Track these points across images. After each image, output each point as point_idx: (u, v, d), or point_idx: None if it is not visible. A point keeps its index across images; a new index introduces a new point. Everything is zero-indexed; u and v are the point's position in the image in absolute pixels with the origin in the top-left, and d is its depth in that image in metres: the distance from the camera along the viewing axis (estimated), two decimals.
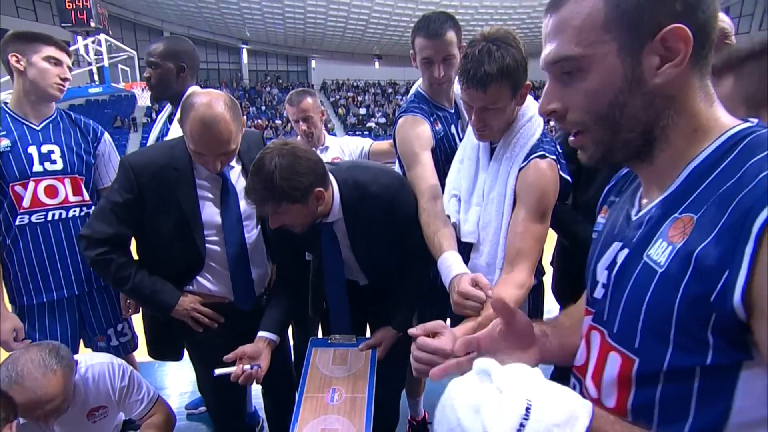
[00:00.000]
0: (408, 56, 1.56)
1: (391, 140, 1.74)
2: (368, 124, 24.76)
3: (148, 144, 2.03)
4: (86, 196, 1.76)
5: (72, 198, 1.72)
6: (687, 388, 0.51)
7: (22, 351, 1.32)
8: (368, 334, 1.71)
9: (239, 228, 1.52)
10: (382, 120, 25.13)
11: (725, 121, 0.57)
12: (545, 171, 1.20)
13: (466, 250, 1.33)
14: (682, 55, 0.53)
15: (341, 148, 2.43)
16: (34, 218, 1.64)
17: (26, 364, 1.27)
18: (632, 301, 0.57)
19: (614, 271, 0.62)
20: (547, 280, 1.60)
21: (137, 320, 1.86)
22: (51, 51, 1.64)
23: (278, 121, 23.10)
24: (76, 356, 1.48)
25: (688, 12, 0.53)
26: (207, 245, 1.48)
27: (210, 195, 1.48)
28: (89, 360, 1.53)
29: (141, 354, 1.93)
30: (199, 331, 1.53)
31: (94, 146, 1.80)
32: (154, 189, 1.41)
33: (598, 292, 0.67)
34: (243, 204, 1.51)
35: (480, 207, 1.31)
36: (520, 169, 1.23)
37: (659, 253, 0.54)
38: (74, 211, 1.73)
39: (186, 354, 1.71)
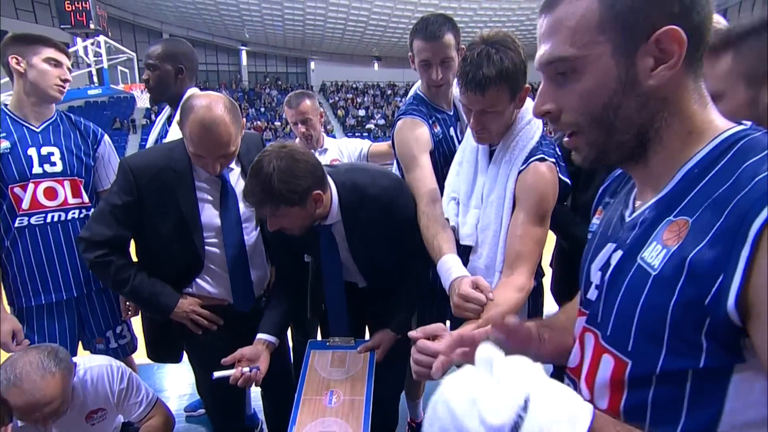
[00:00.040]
0: (407, 58, 1.56)
1: (390, 142, 1.74)
2: (367, 126, 24.77)
3: (147, 146, 2.03)
4: (86, 199, 1.76)
5: (71, 200, 1.72)
6: (679, 390, 0.52)
7: (21, 353, 1.32)
8: (367, 336, 1.71)
9: (238, 230, 1.52)
10: (381, 121, 25.15)
11: (719, 124, 0.57)
12: (544, 174, 1.20)
13: (465, 252, 1.33)
14: (676, 57, 0.53)
15: (340, 149, 2.43)
16: (33, 220, 1.64)
17: (25, 366, 1.27)
18: (626, 303, 0.57)
19: (608, 273, 0.62)
20: (546, 281, 1.60)
21: (136, 322, 1.86)
22: (50, 52, 1.65)
23: (277, 123, 23.10)
24: (74, 359, 1.48)
25: (682, 14, 0.53)
26: (206, 247, 1.48)
27: (209, 197, 1.48)
28: (88, 362, 1.53)
29: (140, 356, 1.93)
30: (198, 333, 1.53)
31: (94, 148, 1.80)
32: (153, 191, 1.41)
33: (592, 294, 0.67)
34: (242, 206, 1.51)
35: (479, 210, 1.31)
36: (520, 172, 1.23)
37: (653, 255, 0.54)
38: (73, 213, 1.72)
39: (185, 356, 1.71)
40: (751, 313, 0.45)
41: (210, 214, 1.48)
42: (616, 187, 0.76)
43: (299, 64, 31.15)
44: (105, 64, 11.54)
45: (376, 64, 30.70)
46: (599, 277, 0.65)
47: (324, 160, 2.33)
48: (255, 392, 1.98)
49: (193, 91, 1.84)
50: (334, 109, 26.66)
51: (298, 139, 2.42)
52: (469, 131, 1.33)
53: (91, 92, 11.75)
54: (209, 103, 1.33)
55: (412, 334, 0.88)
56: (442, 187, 1.45)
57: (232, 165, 1.51)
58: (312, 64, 30.57)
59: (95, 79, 11.66)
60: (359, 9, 22.80)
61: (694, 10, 0.53)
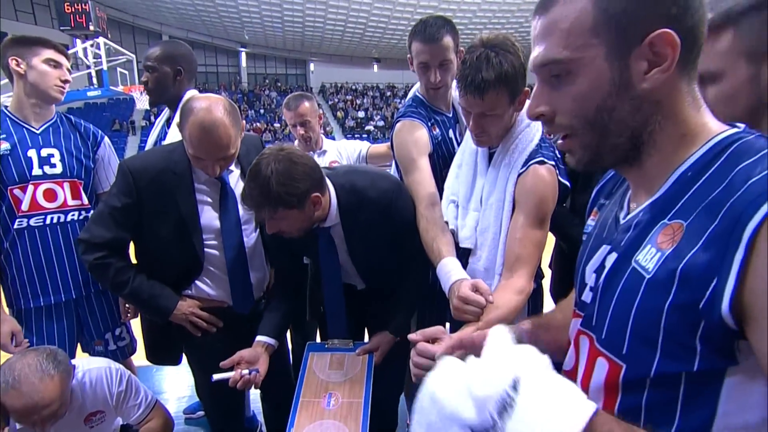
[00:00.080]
0: (406, 59, 1.56)
1: (389, 143, 1.74)
2: (367, 127, 24.78)
3: (146, 148, 2.03)
4: (85, 200, 1.76)
5: (71, 202, 1.72)
6: (673, 393, 0.52)
7: (19, 356, 1.32)
8: (366, 338, 1.71)
9: (238, 232, 1.52)
10: (381, 123, 25.16)
11: (712, 127, 0.57)
12: (544, 177, 1.20)
13: (464, 255, 1.33)
14: (670, 61, 0.53)
15: (339, 151, 2.44)
16: (32, 222, 1.64)
17: (23, 369, 1.26)
18: (620, 307, 0.57)
19: (603, 276, 0.62)
20: (546, 282, 1.60)
21: (136, 324, 1.86)
22: (50, 53, 1.65)
23: (277, 124, 23.11)
24: (73, 361, 1.48)
25: (676, 17, 0.53)
26: (206, 249, 1.48)
27: (209, 199, 1.48)
28: (87, 365, 1.52)
29: (139, 358, 1.93)
30: (197, 336, 1.53)
31: (94, 150, 1.81)
32: (152, 193, 1.41)
33: (586, 296, 0.67)
34: (242, 208, 1.51)
35: (478, 212, 1.31)
36: (519, 175, 1.23)
37: (647, 259, 0.54)
38: (73, 215, 1.72)
39: (184, 358, 1.71)
40: (747, 317, 0.45)
41: (209, 216, 1.48)
42: (611, 188, 0.76)
43: (299, 65, 31.18)
44: (104, 66, 11.55)
45: (375, 66, 30.73)
46: (594, 279, 0.66)
47: (323, 161, 2.33)
48: (254, 394, 1.98)
49: (192, 93, 1.84)
50: (333, 110, 26.67)
51: (297, 141, 2.42)
52: (468, 133, 1.34)
53: (90, 94, 11.76)
54: (209, 105, 1.33)
55: (411, 336, 0.88)
56: (441, 189, 1.45)
57: (232, 167, 1.51)
58: (311, 66, 30.59)
59: (95, 80, 11.67)
60: (359, 11, 22.83)
61: (687, 13, 0.53)
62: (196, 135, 1.32)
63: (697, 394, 0.50)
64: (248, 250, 1.55)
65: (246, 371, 1.36)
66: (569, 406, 0.45)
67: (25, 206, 1.62)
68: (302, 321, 1.97)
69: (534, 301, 1.40)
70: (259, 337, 1.48)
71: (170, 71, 1.84)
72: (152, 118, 17.71)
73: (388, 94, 29.48)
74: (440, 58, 1.46)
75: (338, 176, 1.44)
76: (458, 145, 1.54)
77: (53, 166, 1.68)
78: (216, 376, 1.35)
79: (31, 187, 1.63)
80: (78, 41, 11.53)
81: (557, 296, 1.81)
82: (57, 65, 1.67)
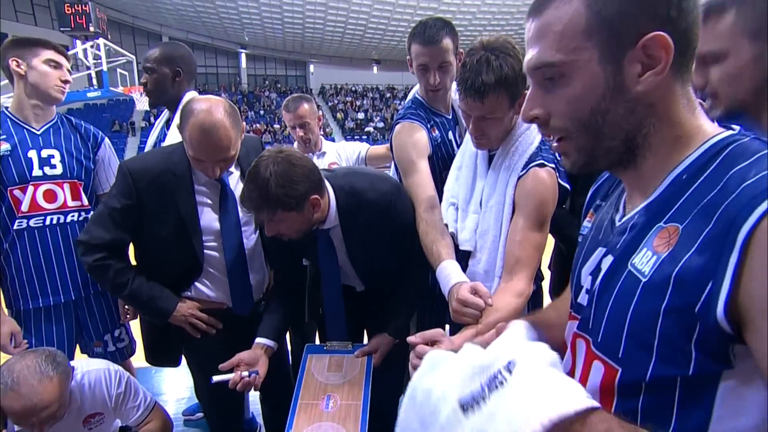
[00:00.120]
0: (406, 61, 1.56)
1: (388, 145, 1.74)
2: (366, 129, 24.80)
3: (146, 149, 2.03)
4: (85, 201, 1.76)
5: (71, 203, 1.72)
6: (669, 397, 0.51)
7: (18, 357, 1.32)
8: (365, 340, 1.71)
9: (238, 234, 1.52)
10: (381, 124, 25.18)
11: (707, 129, 0.57)
12: (544, 179, 1.20)
13: (464, 257, 1.33)
14: (663, 63, 0.53)
15: (338, 153, 2.44)
16: (32, 222, 1.64)
17: (22, 370, 1.26)
18: (616, 310, 0.57)
19: (599, 279, 0.62)
20: (546, 284, 1.60)
21: (135, 325, 1.85)
22: (50, 54, 1.66)
23: (276, 126, 23.11)
24: (72, 362, 1.47)
25: (669, 20, 0.53)
26: (205, 251, 1.48)
27: (208, 201, 1.48)
28: (86, 366, 1.52)
29: (138, 359, 1.93)
30: (196, 337, 1.53)
31: (94, 151, 1.81)
32: (152, 194, 1.41)
33: (583, 298, 0.67)
34: (241, 210, 1.51)
35: (477, 215, 1.31)
36: (519, 178, 1.23)
37: (644, 262, 0.54)
38: (73, 216, 1.72)
39: (183, 360, 1.70)
40: (744, 320, 0.45)
41: (209, 218, 1.48)
42: (607, 190, 0.76)
43: (298, 67, 31.22)
44: (104, 67, 11.57)
45: (375, 67, 30.76)
46: (590, 282, 0.65)
47: (322, 163, 2.34)
48: (253, 396, 1.97)
49: (191, 94, 1.84)
50: (333, 112, 26.69)
51: (296, 143, 2.43)
52: (468, 136, 1.34)
53: (90, 95, 11.78)
54: (209, 107, 1.33)
55: (410, 339, 0.87)
56: (440, 191, 1.45)
57: (232, 168, 1.51)
58: (311, 67, 30.63)
59: (94, 81, 11.69)
60: (358, 12, 22.87)
61: (681, 15, 0.53)
62: (197, 137, 1.32)
63: (693, 398, 0.50)
64: (248, 252, 1.55)
65: (245, 373, 1.36)
66: (561, 394, 0.44)
67: (24, 207, 1.62)
68: (301, 323, 1.97)
69: (534, 303, 1.40)
70: (258, 339, 1.48)
71: (169, 72, 1.85)
72: (152, 119, 17.74)
73: (388, 95, 29.52)
74: (439, 60, 1.46)
75: (337, 178, 1.44)
76: (458, 146, 1.54)
77: (53, 167, 1.68)
78: (216, 378, 1.34)
79: (31, 188, 1.63)
80: (78, 42, 11.55)
81: (556, 297, 1.81)
82: (57, 66, 1.67)
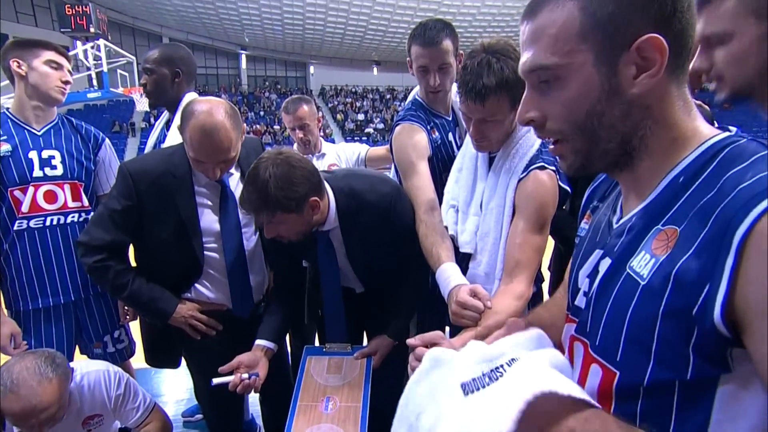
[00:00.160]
0: (406, 62, 1.56)
1: (388, 146, 1.74)
2: (366, 130, 24.81)
3: (146, 150, 2.04)
4: (85, 202, 1.76)
5: (71, 204, 1.72)
6: (667, 401, 0.51)
7: (17, 359, 1.31)
8: (365, 342, 1.71)
9: (238, 235, 1.52)
10: (381, 126, 25.20)
11: (704, 131, 0.57)
12: (545, 182, 1.20)
13: (464, 259, 1.33)
14: (658, 65, 0.53)
15: (338, 154, 2.44)
16: (32, 223, 1.64)
17: (21, 372, 1.26)
18: (615, 313, 0.56)
19: (596, 282, 0.62)
20: (546, 286, 1.60)
21: (135, 326, 1.85)
22: (51, 55, 1.66)
23: (276, 127, 23.12)
24: (72, 364, 1.47)
25: (663, 21, 0.53)
26: (205, 252, 1.48)
27: (209, 202, 1.48)
28: (85, 367, 1.52)
29: (138, 361, 1.93)
30: (196, 339, 1.53)
31: (95, 152, 1.81)
32: (152, 196, 1.41)
33: (580, 301, 0.67)
34: (241, 211, 1.51)
35: (478, 217, 1.31)
36: (520, 180, 1.23)
37: (642, 265, 0.54)
38: (73, 216, 1.73)
39: (183, 361, 1.70)
40: (742, 323, 0.44)
41: (209, 219, 1.48)
42: (604, 191, 0.76)
43: (298, 68, 31.25)
44: (105, 68, 11.58)
45: (375, 69, 30.79)
46: (587, 284, 0.65)
47: (321, 165, 2.34)
48: (253, 397, 1.97)
49: (191, 95, 1.85)
50: (333, 113, 26.71)
51: (296, 145, 2.43)
52: (468, 137, 1.34)
53: (90, 95, 11.79)
54: (210, 108, 1.33)
55: (410, 341, 0.87)
56: (440, 192, 1.45)
57: (232, 170, 1.51)
58: (311, 68, 30.66)
59: (95, 82, 11.70)
60: (359, 14, 22.90)
61: (675, 17, 0.53)
62: (197, 138, 1.32)
63: (691, 402, 0.50)
64: (248, 253, 1.55)
65: (246, 375, 1.36)
66: (553, 380, 0.43)
67: (25, 208, 1.62)
68: (301, 324, 1.97)
69: (534, 305, 1.39)
70: (258, 341, 1.47)
71: (168, 73, 1.85)
72: (152, 119, 17.75)
73: (388, 96, 29.54)
74: (439, 62, 1.46)
75: (337, 180, 1.44)
76: (458, 148, 1.54)
77: (54, 167, 1.68)
78: (216, 381, 1.34)
79: (31, 189, 1.63)
80: (78, 43, 11.56)
81: None
82: (58, 66, 1.67)
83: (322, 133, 2.48)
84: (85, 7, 11.42)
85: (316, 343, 1.96)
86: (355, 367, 1.49)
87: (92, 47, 11.47)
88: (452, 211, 1.39)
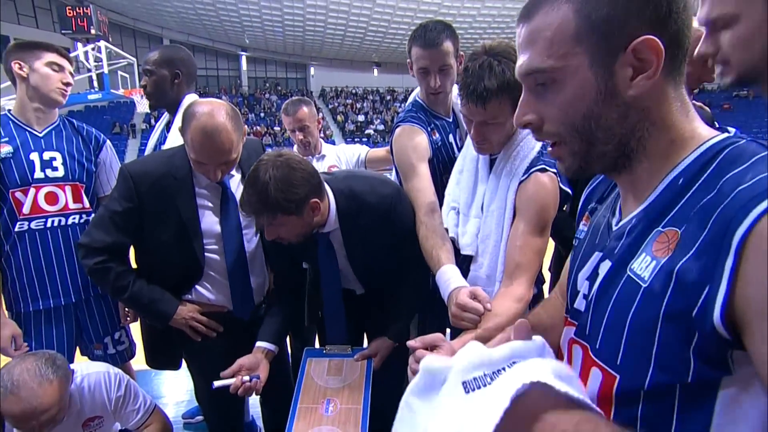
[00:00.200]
0: (406, 63, 1.56)
1: (388, 148, 1.74)
2: (367, 131, 24.82)
3: (146, 151, 2.04)
4: (86, 204, 1.76)
5: (72, 205, 1.72)
6: (668, 405, 0.51)
7: (18, 360, 1.31)
8: (365, 343, 1.71)
9: (239, 237, 1.52)
10: (381, 127, 25.20)
11: (702, 132, 0.57)
12: (546, 184, 1.20)
13: (465, 262, 1.33)
14: (655, 67, 0.53)
15: (338, 156, 2.44)
16: (33, 225, 1.65)
17: (22, 374, 1.26)
18: (615, 316, 0.56)
19: (596, 284, 0.62)
20: (545, 286, 1.60)
21: (135, 328, 1.85)
22: (53, 57, 1.67)
23: (277, 128, 23.13)
24: (72, 365, 1.47)
25: (659, 23, 0.52)
26: (206, 254, 1.48)
27: (209, 204, 1.48)
28: (85, 369, 1.52)
29: (138, 362, 1.92)
30: (197, 341, 1.53)
31: (96, 154, 1.81)
32: (153, 198, 1.41)
33: (579, 303, 0.66)
34: (242, 213, 1.51)
35: (479, 219, 1.31)
36: (521, 183, 1.23)
37: (643, 267, 0.54)
38: (74, 218, 1.73)
39: (183, 363, 1.70)
40: (742, 324, 0.44)
41: (210, 221, 1.48)
42: (603, 192, 0.76)
43: (299, 69, 31.28)
44: (105, 69, 11.59)
45: (375, 70, 30.82)
46: (587, 287, 0.65)
47: (321, 166, 2.34)
48: (253, 399, 1.97)
49: (192, 97, 1.85)
50: (333, 114, 26.73)
51: (296, 146, 2.43)
52: (469, 139, 1.34)
53: (91, 97, 11.79)
54: (211, 110, 1.33)
55: (410, 343, 0.87)
56: (441, 194, 1.45)
57: (233, 171, 1.51)
58: (312, 70, 30.69)
59: (95, 83, 11.71)
60: (359, 15, 22.92)
61: (670, 18, 0.53)
62: (199, 140, 1.32)
63: (692, 405, 0.50)
64: (249, 255, 1.55)
65: (247, 378, 1.36)
66: (548, 371, 0.43)
67: (26, 209, 1.63)
68: (301, 326, 1.97)
69: (534, 307, 1.40)
70: (259, 343, 1.47)
71: (168, 74, 1.85)
72: (152, 121, 17.76)
73: (388, 98, 29.56)
74: (440, 63, 1.46)
75: (337, 181, 1.44)
76: (458, 149, 1.54)
77: (55, 169, 1.68)
78: (217, 383, 1.34)
79: (32, 190, 1.63)
80: (79, 45, 11.59)
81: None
82: (59, 68, 1.68)
83: (322, 135, 2.48)
84: (86, 9, 11.46)
85: (317, 345, 1.96)
86: (355, 369, 1.49)
87: (93, 49, 11.48)
88: (453, 213, 1.38)
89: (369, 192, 1.41)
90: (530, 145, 1.26)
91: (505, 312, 1.09)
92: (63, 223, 1.70)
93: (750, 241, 0.43)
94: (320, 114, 2.41)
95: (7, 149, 1.60)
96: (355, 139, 21.75)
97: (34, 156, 1.64)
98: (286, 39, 26.42)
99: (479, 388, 0.44)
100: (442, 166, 1.54)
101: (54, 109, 1.73)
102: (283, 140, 21.13)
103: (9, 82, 1.69)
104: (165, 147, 1.76)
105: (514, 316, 1.11)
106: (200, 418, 2.26)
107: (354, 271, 1.55)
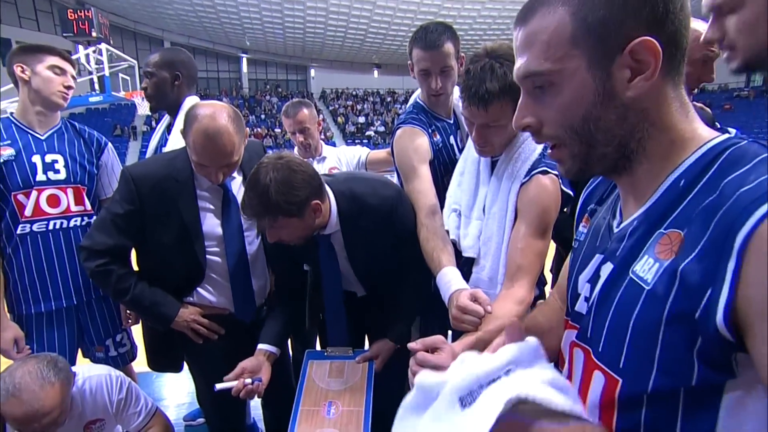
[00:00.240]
0: (407, 65, 1.56)
1: (389, 149, 1.74)
2: (367, 133, 24.84)
3: (147, 154, 2.04)
4: (88, 206, 1.77)
5: (74, 208, 1.72)
6: (672, 409, 0.51)
7: (20, 363, 1.31)
8: (367, 345, 1.71)
9: (240, 239, 1.52)
10: (381, 128, 25.23)
11: (702, 133, 0.56)
12: (547, 187, 1.20)
13: (467, 263, 1.33)
14: (653, 68, 0.53)
15: (338, 158, 2.44)
16: (35, 227, 1.65)
17: (24, 376, 1.26)
18: (618, 319, 0.56)
19: (598, 287, 0.61)
20: (547, 288, 1.59)
21: (137, 330, 1.85)
22: (55, 60, 1.67)
23: (277, 130, 23.16)
24: (74, 368, 1.47)
25: (656, 24, 0.52)
26: (207, 256, 1.49)
27: (211, 206, 1.48)
28: (87, 372, 1.52)
29: (139, 364, 1.92)
30: (198, 343, 1.53)
31: (98, 156, 1.82)
32: (155, 200, 1.41)
33: (581, 306, 0.66)
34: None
35: (480, 221, 1.31)
36: (522, 185, 1.23)
37: (646, 269, 0.53)
38: (75, 220, 1.73)
39: (185, 365, 1.70)
40: (744, 326, 0.44)
41: (211, 223, 1.48)
42: (602, 193, 0.75)
43: (299, 71, 31.34)
44: (106, 72, 11.59)
45: (375, 72, 30.87)
46: (588, 290, 0.64)
47: (322, 168, 2.34)
48: (255, 401, 1.96)
49: (192, 99, 1.85)
50: (334, 116, 26.76)
51: (296, 148, 2.43)
52: (470, 141, 1.34)
53: (92, 99, 11.79)
54: (213, 112, 1.33)
55: (411, 345, 0.87)
56: (442, 196, 1.45)
57: (234, 174, 1.51)
58: (312, 72, 30.75)
59: (96, 86, 11.70)
60: (359, 17, 22.96)
61: (667, 19, 0.52)
62: (200, 142, 1.32)
63: (697, 409, 0.49)
64: (250, 257, 1.55)
65: (249, 380, 1.35)
66: (542, 386, 0.43)
67: (28, 212, 1.63)
68: (303, 328, 1.97)
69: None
70: (260, 345, 1.47)
71: (168, 76, 1.85)
72: (153, 123, 17.77)
73: (389, 99, 29.59)
74: (441, 65, 1.46)
75: (338, 183, 1.44)
76: (459, 151, 1.54)
77: (57, 171, 1.68)
78: (219, 386, 1.34)
79: (34, 193, 1.64)
80: (80, 47, 11.59)
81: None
82: (61, 72, 1.68)
83: (322, 137, 2.48)
84: (88, 12, 11.47)
85: (318, 347, 1.96)
86: (357, 371, 1.49)
87: (94, 51, 11.49)
88: (454, 215, 1.38)
89: (370, 194, 1.41)
90: (531, 147, 1.25)
91: (506, 314, 1.08)
92: (65, 225, 1.70)
93: (752, 244, 0.43)
94: (321, 116, 2.41)
95: (9, 152, 1.60)
96: (356, 141, 21.77)
97: (36, 159, 1.65)
98: (286, 41, 26.47)
99: (475, 401, 0.44)
100: (443, 168, 1.54)
101: (55, 112, 1.74)
102: (283, 142, 21.15)
103: (11, 85, 1.69)
104: (166, 149, 1.77)
105: (515, 318, 1.11)
106: (201, 420, 2.26)
107: (355, 273, 1.55)
